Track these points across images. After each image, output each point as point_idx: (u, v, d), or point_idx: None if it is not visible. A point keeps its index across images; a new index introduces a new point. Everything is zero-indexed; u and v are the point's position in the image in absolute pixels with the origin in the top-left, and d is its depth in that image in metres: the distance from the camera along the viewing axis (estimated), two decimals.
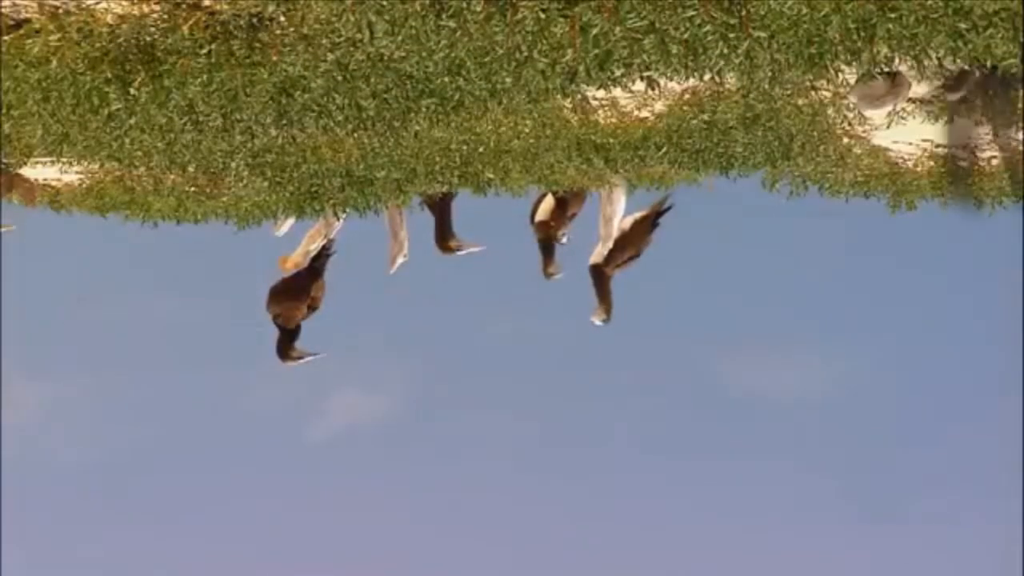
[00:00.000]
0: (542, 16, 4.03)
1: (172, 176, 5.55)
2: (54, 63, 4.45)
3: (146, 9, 4.34)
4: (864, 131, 5.27)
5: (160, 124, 4.79)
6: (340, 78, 4.58)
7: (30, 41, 4.40)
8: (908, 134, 5.25)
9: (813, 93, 4.96)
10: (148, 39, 4.43)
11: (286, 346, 6.04)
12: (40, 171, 5.64)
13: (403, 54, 4.32)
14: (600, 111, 5.08)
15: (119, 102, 4.52)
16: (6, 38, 4.38)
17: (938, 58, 4.10)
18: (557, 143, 5.30)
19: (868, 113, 5.04)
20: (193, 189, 5.63)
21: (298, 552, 8.07)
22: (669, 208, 6.11)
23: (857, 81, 4.67)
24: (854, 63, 4.16)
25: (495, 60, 4.22)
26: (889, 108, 4.95)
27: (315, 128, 4.93)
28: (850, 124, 5.20)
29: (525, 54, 4.14)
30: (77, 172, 5.64)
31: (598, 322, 6.05)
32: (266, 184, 5.50)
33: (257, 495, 8.04)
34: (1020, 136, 5.02)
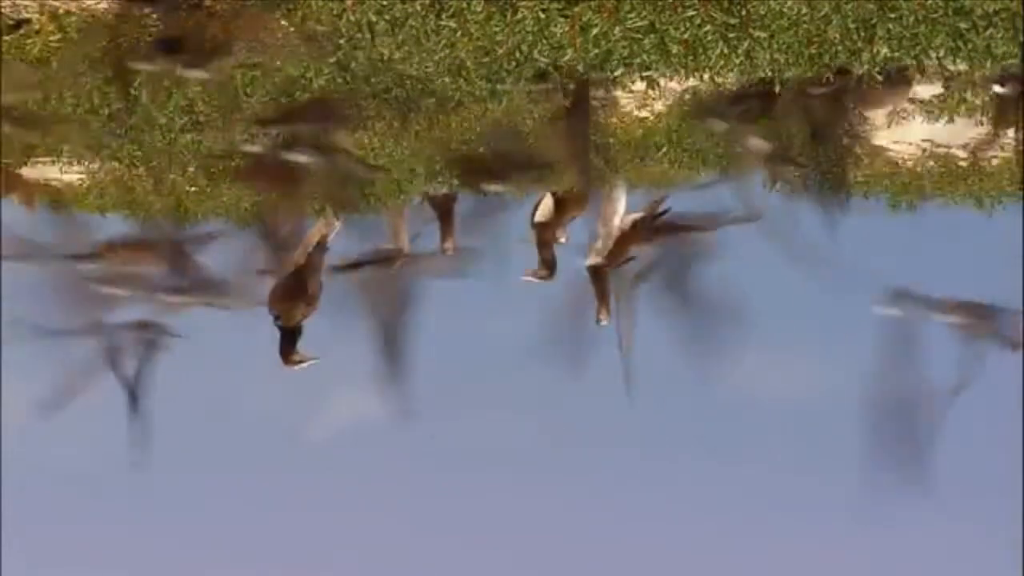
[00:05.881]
0: (542, 16, 4.04)
1: (172, 176, 5.55)
2: (54, 63, 4.46)
3: (146, 9, 4.35)
4: (864, 131, 5.27)
5: (160, 124, 4.80)
6: (340, 79, 4.59)
7: (30, 41, 4.41)
8: (908, 134, 5.25)
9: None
10: (148, 39, 4.44)
11: (287, 349, 6.02)
12: (40, 171, 5.64)
13: (403, 55, 4.33)
14: (600, 111, 5.08)
15: (119, 102, 4.53)
16: (6, 38, 4.38)
17: (938, 58, 4.11)
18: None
19: (868, 113, 5.04)
20: (193, 189, 5.63)
21: (297, 552, 8.07)
22: (667, 210, 6.10)
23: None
24: (854, 63, 4.17)
25: (495, 60, 4.23)
26: (889, 108, 4.95)
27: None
28: (850, 124, 5.20)
29: (525, 54, 4.15)
30: (77, 172, 5.64)
31: (604, 322, 6.03)
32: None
33: (256, 495, 8.03)
34: (1020, 136, 5.02)
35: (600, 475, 7.96)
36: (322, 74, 4.60)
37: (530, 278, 6.02)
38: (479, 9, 4.04)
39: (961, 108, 4.93)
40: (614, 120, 5.16)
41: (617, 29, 4.04)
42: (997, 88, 4.62)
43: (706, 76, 4.28)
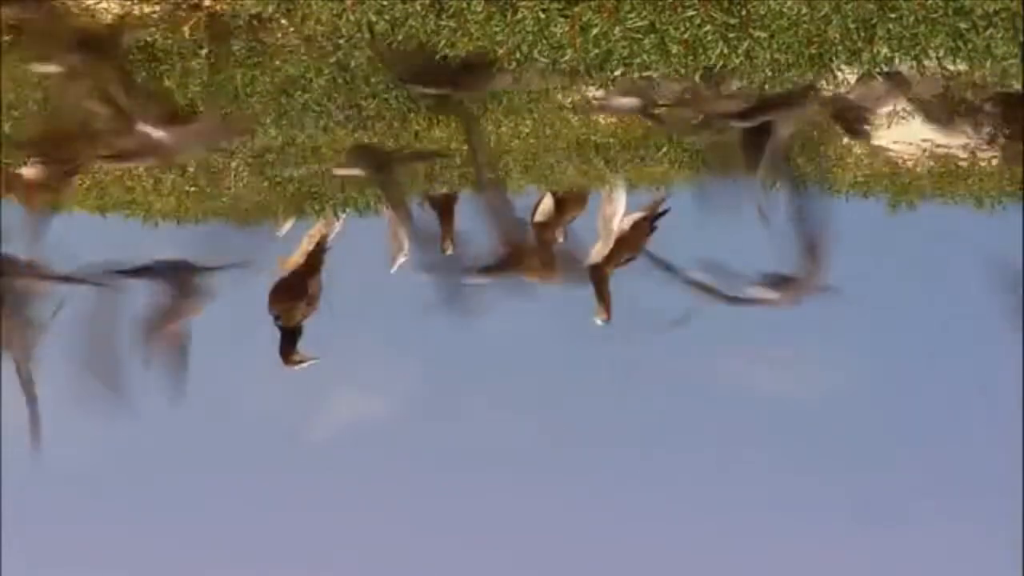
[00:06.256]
0: (542, 16, 4.04)
1: (172, 176, 5.56)
2: (54, 64, 4.46)
3: (146, 9, 4.36)
4: (864, 131, 5.27)
5: None
6: (340, 80, 4.60)
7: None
8: (908, 134, 5.26)
9: (812, 93, 4.96)
10: (148, 39, 4.45)
11: (287, 349, 6.03)
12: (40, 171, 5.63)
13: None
14: (600, 111, 5.08)
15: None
16: (6, 38, 4.38)
17: (938, 58, 4.11)
18: (557, 143, 5.31)
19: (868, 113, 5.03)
20: (193, 189, 5.64)
21: (297, 552, 8.08)
22: (667, 211, 6.10)
23: (857, 81, 4.67)
24: (854, 63, 4.17)
25: (495, 60, 4.23)
26: (889, 108, 4.95)
27: (315, 128, 4.93)
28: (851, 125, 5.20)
29: (525, 54, 4.15)
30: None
31: (599, 322, 6.04)
32: (266, 184, 5.50)
33: (256, 495, 8.04)
34: (1021, 136, 5.02)
35: (600, 475, 7.97)
36: (322, 74, 4.60)
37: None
38: (479, 9, 4.03)
39: (961, 108, 4.94)
40: (614, 120, 5.16)
41: (617, 29, 4.03)
42: (988, 108, 4.64)
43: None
